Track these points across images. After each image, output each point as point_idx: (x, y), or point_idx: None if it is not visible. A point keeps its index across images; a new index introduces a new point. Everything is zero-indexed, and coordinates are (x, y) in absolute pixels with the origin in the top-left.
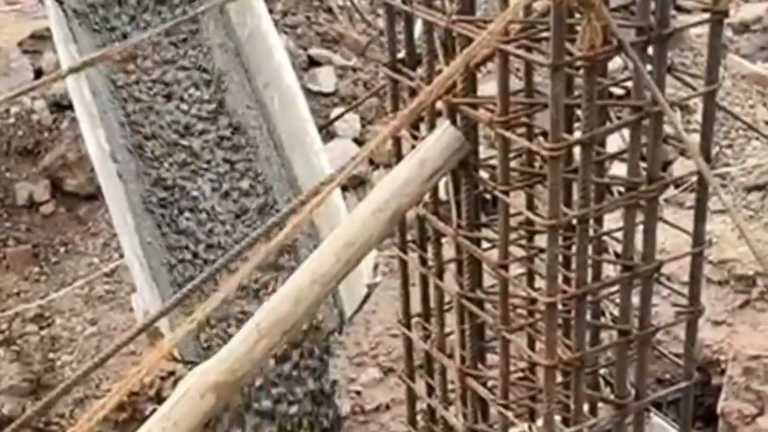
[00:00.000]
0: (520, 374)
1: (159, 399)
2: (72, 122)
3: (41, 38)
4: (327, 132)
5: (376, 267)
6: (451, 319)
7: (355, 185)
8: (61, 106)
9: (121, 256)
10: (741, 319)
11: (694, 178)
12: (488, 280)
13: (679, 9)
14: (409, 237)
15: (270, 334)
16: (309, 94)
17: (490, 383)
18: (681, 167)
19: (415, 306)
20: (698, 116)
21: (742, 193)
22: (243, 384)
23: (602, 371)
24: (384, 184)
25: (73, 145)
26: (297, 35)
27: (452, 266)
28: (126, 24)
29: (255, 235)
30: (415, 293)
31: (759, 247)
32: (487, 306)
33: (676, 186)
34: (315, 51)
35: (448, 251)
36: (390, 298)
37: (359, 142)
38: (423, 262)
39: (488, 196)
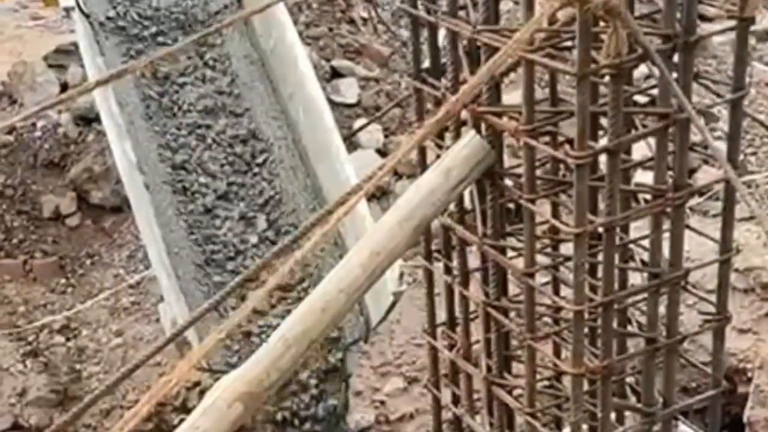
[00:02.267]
0: (546, 383)
1: (184, 409)
2: (97, 135)
3: (66, 53)
4: (350, 143)
5: (401, 275)
6: (476, 328)
7: (378, 196)
8: (87, 120)
9: (146, 267)
10: (767, 327)
11: (719, 186)
12: (513, 289)
13: (701, 17)
14: (434, 246)
15: (297, 344)
16: (332, 105)
17: (516, 392)
18: (704, 175)
19: (441, 315)
20: (722, 124)
21: (767, 201)
22: (270, 394)
23: (629, 379)
24: (410, 193)
25: (99, 158)
26: (320, 46)
27: (477, 275)
28: (152, 36)
29: (282, 245)
30: (441, 302)
31: None
32: (513, 314)
33: (701, 194)
34: (338, 62)
35: (474, 260)
36: (414, 308)
37: (382, 152)
38: (448, 271)
39: (512, 205)
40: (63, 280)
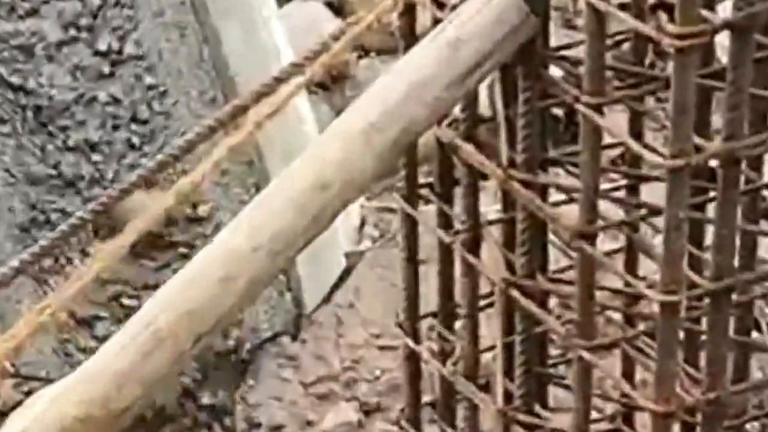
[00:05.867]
0: (608, 425)
1: None
2: None
3: None
4: None
5: (361, 225)
6: (488, 325)
7: (327, 85)
8: None
9: None
10: None
11: None
12: (557, 260)
13: None
14: (421, 178)
15: (175, 337)
16: None
17: None
18: None
19: (427, 299)
20: None
21: None
22: (124, 424)
23: (752, 424)
24: (384, 84)
25: None
26: None
27: (496, 232)
28: None
29: (154, 163)
30: (428, 276)
31: None
32: (554, 304)
33: None
34: None
35: (490, 205)
36: (380, 284)
37: (335, 6)
38: (446, 222)
39: (562, 113)
40: None
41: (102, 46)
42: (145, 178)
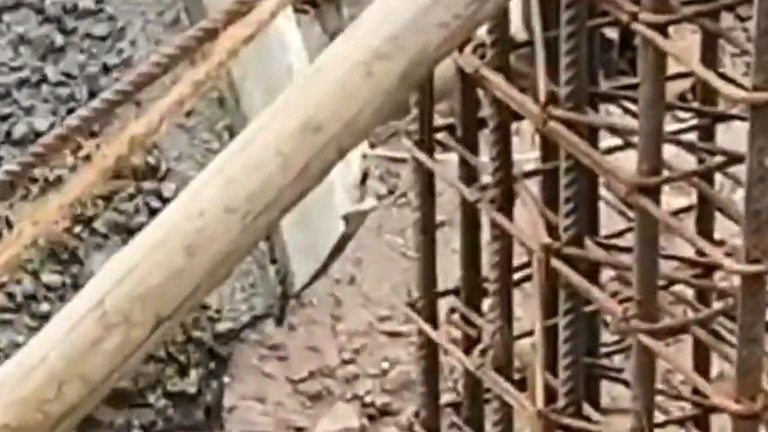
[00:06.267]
0: (676, 431)
1: None
2: None
3: None
4: None
5: (364, 179)
6: (524, 305)
7: (319, 1)
8: None
9: None
10: None
11: None
12: (610, 221)
13: None
14: (438, 119)
15: (126, 322)
16: None
17: None
18: None
19: (446, 272)
20: None
21: None
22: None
23: None
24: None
25: None
26: None
27: (533, 186)
28: None
29: (102, 99)
30: (448, 243)
31: None
32: (607, 278)
33: None
34: None
35: (524, 152)
36: (386, 251)
37: None
38: (469, 174)
39: (615, 35)
40: None
41: (52, 10)
42: (85, 124)
